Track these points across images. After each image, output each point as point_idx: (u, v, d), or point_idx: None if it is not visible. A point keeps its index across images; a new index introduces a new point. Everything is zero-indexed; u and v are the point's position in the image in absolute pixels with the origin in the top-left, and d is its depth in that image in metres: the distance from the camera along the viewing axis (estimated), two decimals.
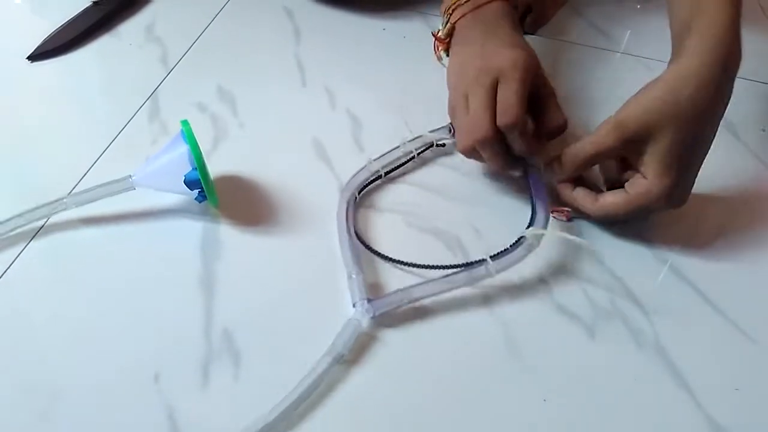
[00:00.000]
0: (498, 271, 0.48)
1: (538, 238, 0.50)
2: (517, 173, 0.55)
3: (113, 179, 0.51)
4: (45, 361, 0.45)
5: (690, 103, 0.46)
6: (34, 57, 0.66)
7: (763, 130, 0.65)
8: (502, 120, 0.50)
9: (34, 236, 0.51)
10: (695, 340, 0.48)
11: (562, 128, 0.54)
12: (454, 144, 0.58)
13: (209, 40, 0.72)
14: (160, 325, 0.47)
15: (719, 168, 0.63)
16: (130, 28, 0.72)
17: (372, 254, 0.51)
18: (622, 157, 0.51)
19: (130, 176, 0.51)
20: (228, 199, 0.54)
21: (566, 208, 0.55)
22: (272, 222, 0.54)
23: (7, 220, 0.50)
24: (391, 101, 0.66)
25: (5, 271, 0.49)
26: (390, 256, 0.51)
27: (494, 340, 0.47)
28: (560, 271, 0.52)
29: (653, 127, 0.47)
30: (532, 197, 0.54)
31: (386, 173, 0.57)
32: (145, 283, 0.49)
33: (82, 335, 0.46)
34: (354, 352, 0.46)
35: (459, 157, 0.57)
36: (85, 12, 0.72)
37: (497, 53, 0.52)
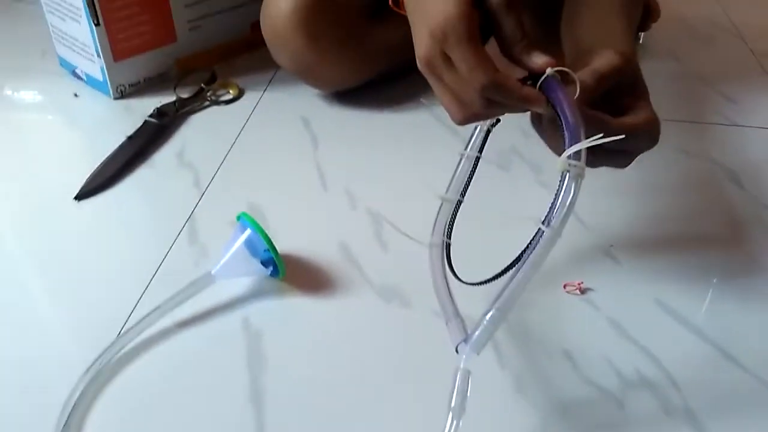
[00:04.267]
0: (560, 227, 0.43)
1: (578, 162, 0.43)
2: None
3: (195, 278, 0.58)
4: None
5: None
6: (80, 197, 0.73)
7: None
8: (476, 87, 0.46)
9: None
10: (725, 403, 0.50)
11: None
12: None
13: (235, 158, 0.78)
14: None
15: (727, 220, 0.66)
16: (163, 156, 0.79)
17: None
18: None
19: (210, 271, 0.58)
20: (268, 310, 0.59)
21: (578, 282, 0.59)
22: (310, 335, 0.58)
23: (112, 344, 0.54)
24: (407, 191, 0.70)
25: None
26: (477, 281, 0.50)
27: (528, 421, 0.50)
28: (583, 343, 0.55)
29: (634, 68, 0.52)
30: (559, 117, 0.45)
31: (462, 195, 0.55)
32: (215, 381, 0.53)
33: None
34: None
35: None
36: (121, 147, 0.79)
37: (426, 10, 0.47)
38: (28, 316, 0.59)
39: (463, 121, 0.50)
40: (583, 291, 0.59)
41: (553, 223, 0.43)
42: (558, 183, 0.44)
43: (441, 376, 0.44)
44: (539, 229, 0.43)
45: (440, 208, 0.56)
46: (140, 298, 0.60)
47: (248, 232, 0.58)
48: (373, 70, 0.86)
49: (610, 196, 0.70)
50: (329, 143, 0.80)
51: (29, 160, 0.80)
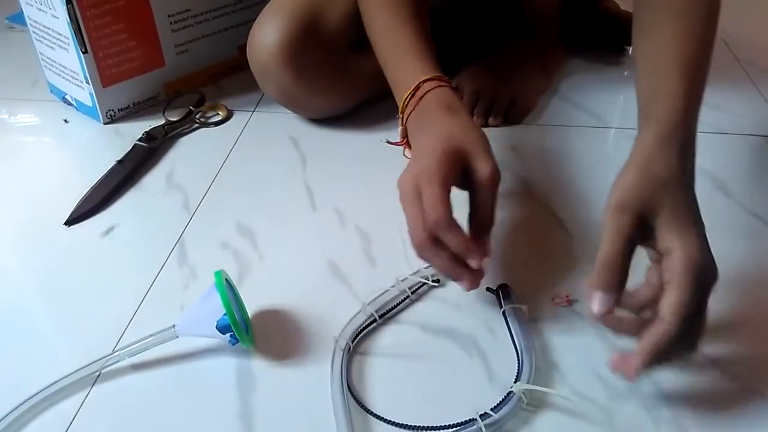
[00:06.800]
0: (489, 429, 0.49)
1: (526, 393, 0.51)
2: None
3: (159, 329, 0.56)
4: None
5: (664, 170, 0.50)
6: (70, 222, 0.73)
7: None
8: (429, 220, 0.53)
9: (93, 384, 0.55)
10: (714, 413, 0.50)
11: (492, 179, 0.55)
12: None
13: (224, 179, 0.79)
14: None
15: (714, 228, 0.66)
16: (153, 179, 0.80)
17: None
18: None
19: (173, 326, 0.56)
20: (258, 336, 0.59)
21: (566, 294, 0.59)
22: (302, 355, 0.57)
23: (70, 374, 0.54)
24: (396, 211, 0.70)
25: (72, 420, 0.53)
26: (387, 417, 0.51)
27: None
28: (572, 355, 0.55)
29: (650, 197, 0.49)
30: (514, 343, 0.55)
31: (380, 316, 0.59)
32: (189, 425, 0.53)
33: None
34: None
35: (454, 291, 0.61)
36: (111, 171, 0.80)
37: (417, 160, 0.57)
38: (21, 338, 0.59)
39: (417, 247, 0.55)
40: (570, 303, 0.59)
41: (484, 425, 0.49)
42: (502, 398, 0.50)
43: None
44: (473, 419, 0.49)
45: (355, 315, 0.59)
46: (130, 321, 0.61)
47: (216, 297, 0.54)
48: (359, 98, 0.87)
49: (594, 204, 0.70)
50: (318, 162, 0.81)
51: (21, 186, 0.80)
